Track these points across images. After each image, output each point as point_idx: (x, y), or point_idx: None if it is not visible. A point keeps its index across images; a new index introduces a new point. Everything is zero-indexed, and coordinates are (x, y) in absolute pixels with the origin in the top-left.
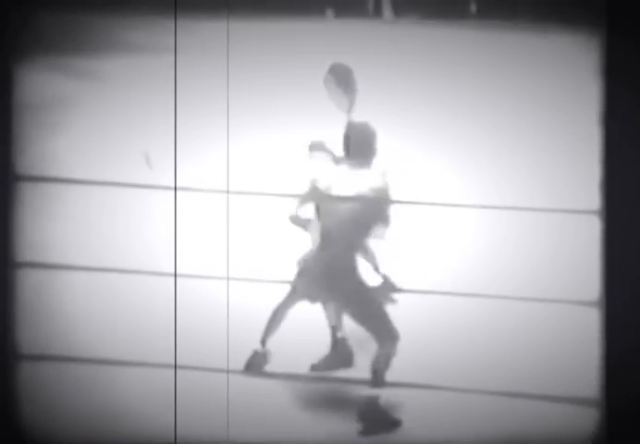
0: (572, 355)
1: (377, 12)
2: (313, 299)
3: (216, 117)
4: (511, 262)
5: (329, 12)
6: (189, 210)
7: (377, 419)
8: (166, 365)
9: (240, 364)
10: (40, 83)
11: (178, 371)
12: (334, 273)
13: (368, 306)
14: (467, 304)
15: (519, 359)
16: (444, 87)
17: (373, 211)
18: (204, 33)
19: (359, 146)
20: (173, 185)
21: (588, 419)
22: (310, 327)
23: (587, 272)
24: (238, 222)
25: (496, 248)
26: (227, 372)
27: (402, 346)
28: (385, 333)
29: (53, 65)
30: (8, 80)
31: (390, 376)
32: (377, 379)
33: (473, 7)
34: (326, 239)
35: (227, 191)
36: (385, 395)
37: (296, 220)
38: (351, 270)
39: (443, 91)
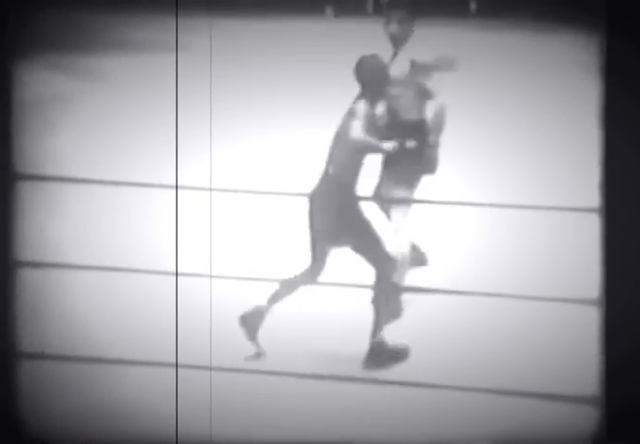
0: (572, 354)
1: (377, 11)
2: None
3: (218, 117)
4: (511, 260)
5: (329, 11)
6: (190, 209)
7: (385, 355)
8: (166, 364)
9: (237, 363)
10: (40, 82)
11: (178, 370)
12: (336, 202)
13: (365, 235)
14: (467, 303)
15: (518, 357)
16: (444, 86)
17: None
18: (206, 31)
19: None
20: (174, 184)
21: (588, 418)
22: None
23: (587, 270)
24: (243, 221)
25: (496, 246)
26: (210, 369)
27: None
28: (382, 257)
29: (53, 63)
30: (8, 79)
31: (390, 374)
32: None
33: (472, 6)
34: (329, 170)
35: (210, 189)
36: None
37: None
38: (350, 199)
39: (442, 90)
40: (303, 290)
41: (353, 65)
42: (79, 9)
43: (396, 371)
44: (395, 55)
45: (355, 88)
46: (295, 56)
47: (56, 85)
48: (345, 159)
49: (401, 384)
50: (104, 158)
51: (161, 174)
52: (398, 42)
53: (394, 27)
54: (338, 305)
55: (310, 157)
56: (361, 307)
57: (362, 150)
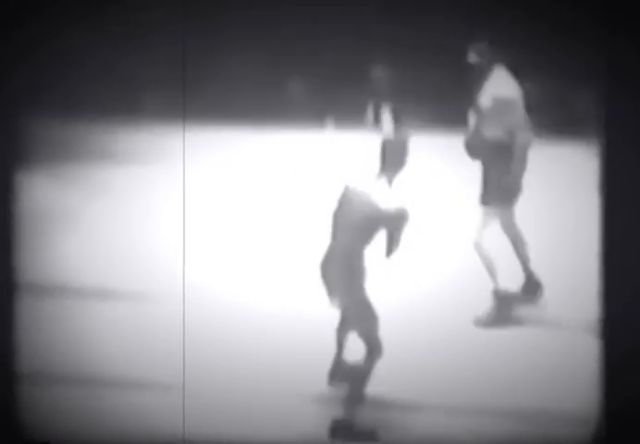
0: (571, 381)
1: (377, 121)
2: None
3: (214, 222)
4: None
5: (329, 122)
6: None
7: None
8: (169, 386)
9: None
10: (41, 192)
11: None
12: (339, 270)
13: (362, 310)
14: (466, 330)
15: (517, 383)
16: (445, 198)
17: (380, 224)
18: (212, 141)
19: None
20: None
21: None
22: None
23: (586, 298)
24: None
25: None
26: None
27: (399, 366)
28: (373, 342)
29: (54, 173)
30: (10, 188)
31: (387, 394)
32: (355, 391)
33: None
34: (336, 235)
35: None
36: (362, 416)
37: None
38: (352, 272)
39: (444, 201)
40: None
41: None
42: (80, 118)
43: (393, 394)
44: (478, 87)
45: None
46: (293, 168)
47: (57, 195)
48: (353, 233)
49: (399, 406)
50: (105, 268)
51: (165, 281)
52: (479, 73)
53: (474, 57)
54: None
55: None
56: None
57: (373, 221)
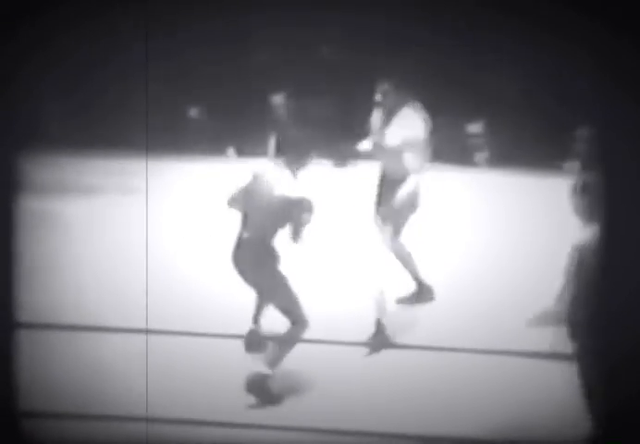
0: (570, 381)
1: (280, 152)
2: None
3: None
4: (503, 314)
5: (231, 151)
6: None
7: (263, 394)
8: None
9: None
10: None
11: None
12: (251, 254)
13: (276, 288)
14: (452, 359)
15: (516, 382)
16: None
17: (287, 211)
18: (174, 175)
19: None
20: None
21: None
22: None
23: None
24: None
25: (483, 303)
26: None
27: (392, 393)
28: (295, 316)
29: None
30: (10, 221)
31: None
32: (274, 358)
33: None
34: (246, 224)
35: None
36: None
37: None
38: (266, 253)
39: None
40: None
41: None
42: (48, 156)
43: (386, 420)
44: (384, 123)
45: None
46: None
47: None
48: (264, 219)
49: (391, 435)
50: (79, 303)
51: (132, 318)
52: (384, 112)
53: (379, 97)
54: None
55: None
56: None
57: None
